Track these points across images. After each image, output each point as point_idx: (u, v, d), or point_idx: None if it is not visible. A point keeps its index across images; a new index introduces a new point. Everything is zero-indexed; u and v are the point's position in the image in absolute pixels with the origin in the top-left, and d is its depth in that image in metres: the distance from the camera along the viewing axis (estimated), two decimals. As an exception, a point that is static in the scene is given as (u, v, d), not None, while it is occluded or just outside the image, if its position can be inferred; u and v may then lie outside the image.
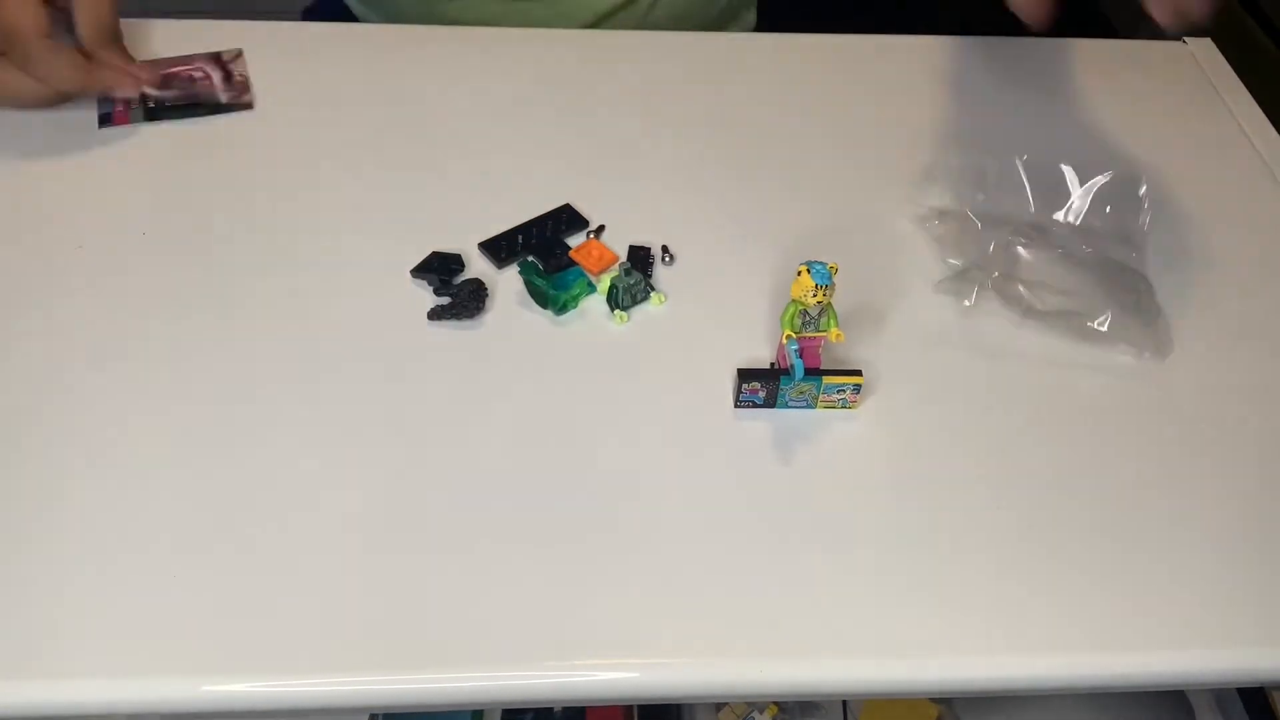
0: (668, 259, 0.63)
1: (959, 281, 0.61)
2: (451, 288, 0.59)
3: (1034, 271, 0.62)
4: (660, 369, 0.57)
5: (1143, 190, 0.66)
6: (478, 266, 0.62)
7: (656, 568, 0.49)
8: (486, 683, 0.46)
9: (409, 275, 0.61)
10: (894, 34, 0.81)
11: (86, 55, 0.65)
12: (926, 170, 0.67)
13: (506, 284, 0.61)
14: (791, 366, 0.53)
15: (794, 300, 0.52)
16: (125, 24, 0.70)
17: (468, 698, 0.47)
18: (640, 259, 0.62)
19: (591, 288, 0.60)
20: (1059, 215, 0.66)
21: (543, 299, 0.59)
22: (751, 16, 0.96)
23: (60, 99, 0.67)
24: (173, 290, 0.59)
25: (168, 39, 0.74)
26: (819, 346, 0.54)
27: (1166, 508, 0.53)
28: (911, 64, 0.78)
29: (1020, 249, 0.63)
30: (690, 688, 0.48)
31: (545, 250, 0.62)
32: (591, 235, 0.64)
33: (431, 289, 0.60)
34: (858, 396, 0.55)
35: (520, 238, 0.63)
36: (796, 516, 0.51)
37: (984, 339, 0.60)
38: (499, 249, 0.62)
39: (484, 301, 0.59)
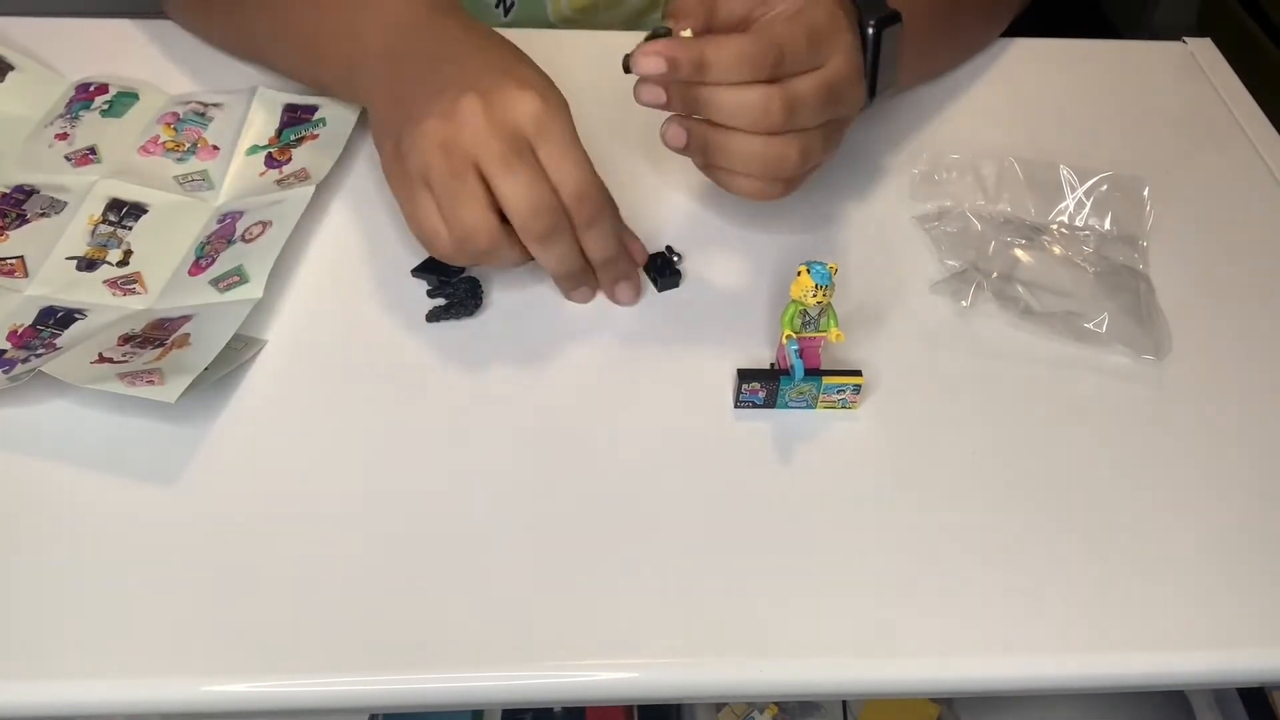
0: (676, 259, 0.63)
1: (956, 282, 0.61)
2: (447, 287, 0.59)
3: (1032, 272, 0.62)
4: (660, 369, 0.57)
5: (1145, 191, 0.66)
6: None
7: (656, 568, 0.49)
8: (486, 683, 0.46)
9: (410, 275, 0.61)
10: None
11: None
12: (926, 170, 0.67)
13: (503, 282, 0.61)
14: (791, 367, 0.53)
15: (794, 300, 0.52)
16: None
17: (468, 698, 0.47)
18: (659, 266, 0.62)
19: None
20: (1058, 216, 0.66)
21: None
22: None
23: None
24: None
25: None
26: (819, 347, 0.54)
27: (1165, 508, 0.53)
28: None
29: (1018, 250, 0.63)
30: (690, 688, 0.48)
31: None
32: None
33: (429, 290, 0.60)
34: (858, 397, 0.55)
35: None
36: (796, 517, 0.51)
37: (983, 340, 0.60)
38: None
39: (480, 299, 0.59)
